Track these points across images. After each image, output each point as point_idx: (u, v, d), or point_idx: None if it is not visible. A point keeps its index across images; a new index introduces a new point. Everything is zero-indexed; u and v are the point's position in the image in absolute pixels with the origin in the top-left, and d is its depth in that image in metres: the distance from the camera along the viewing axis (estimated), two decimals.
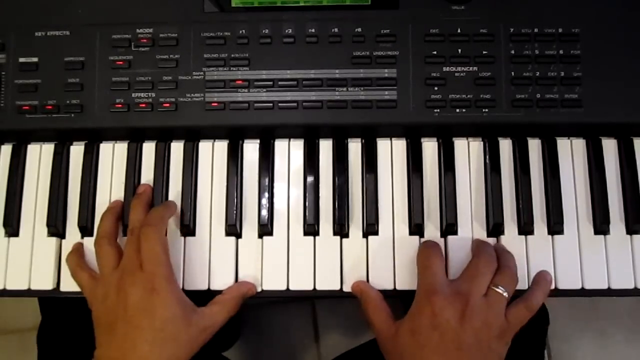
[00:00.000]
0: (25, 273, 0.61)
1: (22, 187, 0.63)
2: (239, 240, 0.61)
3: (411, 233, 0.61)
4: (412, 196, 0.61)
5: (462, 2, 0.60)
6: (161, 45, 0.61)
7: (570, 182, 0.61)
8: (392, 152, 0.62)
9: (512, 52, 0.60)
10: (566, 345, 1.19)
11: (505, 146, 0.62)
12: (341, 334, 1.18)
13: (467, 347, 0.52)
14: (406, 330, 0.54)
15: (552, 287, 0.59)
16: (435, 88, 0.60)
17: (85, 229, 0.62)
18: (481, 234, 0.61)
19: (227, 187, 0.62)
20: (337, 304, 1.19)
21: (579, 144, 0.62)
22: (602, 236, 0.60)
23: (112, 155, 0.63)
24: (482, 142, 0.62)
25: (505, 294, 0.54)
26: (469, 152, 0.62)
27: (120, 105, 0.60)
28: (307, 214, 0.60)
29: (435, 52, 0.60)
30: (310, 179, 0.61)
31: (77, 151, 0.63)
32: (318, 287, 0.60)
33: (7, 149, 0.64)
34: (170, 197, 0.62)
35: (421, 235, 0.61)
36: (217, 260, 0.60)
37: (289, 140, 0.63)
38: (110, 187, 0.63)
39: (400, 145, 0.63)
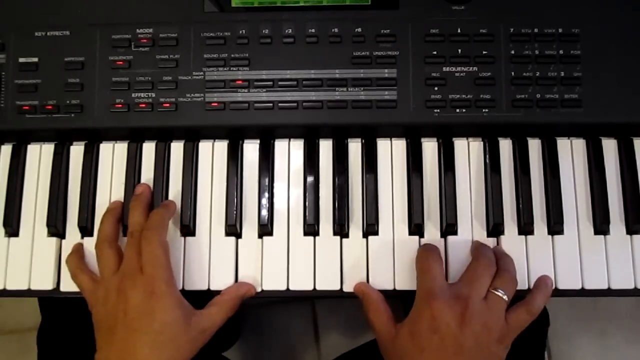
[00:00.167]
0: (25, 273, 0.61)
1: (22, 187, 0.63)
2: (239, 240, 0.61)
3: (411, 233, 0.61)
4: (412, 196, 0.61)
5: (462, 2, 0.60)
6: (161, 45, 0.61)
7: (570, 182, 0.61)
8: (392, 152, 0.62)
9: (512, 52, 0.60)
10: (566, 345, 1.19)
11: (505, 146, 0.62)
12: (341, 334, 1.18)
13: (467, 351, 0.52)
14: (406, 333, 0.54)
15: (553, 287, 0.59)
16: (435, 88, 0.60)
17: (85, 229, 0.62)
18: (481, 234, 0.61)
19: (227, 187, 0.62)
20: (337, 304, 1.18)
21: (579, 144, 0.62)
22: (602, 236, 0.60)
23: (112, 155, 0.63)
24: (482, 142, 0.62)
25: (504, 297, 0.54)
26: (469, 152, 0.62)
27: (120, 105, 0.60)
28: (307, 214, 0.60)
29: (435, 52, 0.60)
30: (310, 179, 0.61)
31: (77, 151, 0.63)
32: (318, 287, 0.60)
33: (7, 149, 0.64)
34: (170, 197, 0.62)
35: (421, 235, 0.61)
36: (217, 260, 0.60)
37: (289, 140, 0.63)
38: (110, 187, 0.63)
39: (400, 145, 0.63)
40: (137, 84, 0.61)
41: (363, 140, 0.63)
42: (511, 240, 0.60)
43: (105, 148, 0.63)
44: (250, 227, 0.61)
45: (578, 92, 0.60)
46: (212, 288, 0.60)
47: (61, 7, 0.62)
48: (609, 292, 0.59)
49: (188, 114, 0.60)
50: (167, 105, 0.60)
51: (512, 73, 0.60)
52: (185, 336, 0.54)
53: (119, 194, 0.62)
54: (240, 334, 1.14)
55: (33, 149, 0.64)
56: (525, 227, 0.60)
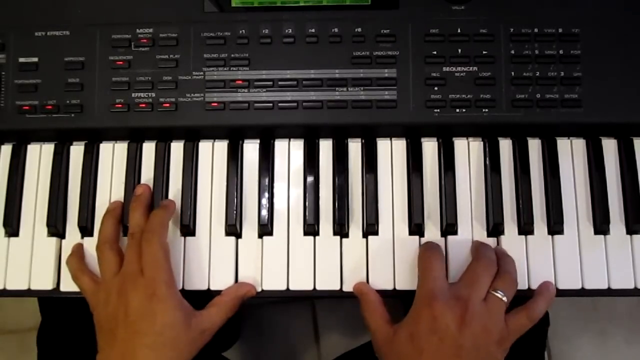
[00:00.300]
0: (25, 273, 0.61)
1: (22, 187, 0.63)
2: (239, 240, 0.61)
3: (411, 233, 0.61)
4: (412, 196, 0.61)
5: (462, 2, 0.60)
6: (161, 45, 0.61)
7: (570, 182, 0.61)
8: (392, 152, 0.62)
9: (512, 52, 0.60)
10: (566, 345, 1.19)
11: (505, 146, 0.62)
12: (341, 334, 1.18)
13: (466, 353, 0.51)
14: (405, 335, 0.53)
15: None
16: (435, 88, 0.60)
17: (85, 229, 0.62)
18: (481, 234, 0.61)
19: (227, 187, 0.62)
20: (337, 304, 1.18)
21: (579, 144, 0.62)
22: (602, 236, 0.60)
23: (112, 155, 0.63)
24: (482, 142, 0.62)
25: (504, 299, 0.54)
26: (469, 152, 0.62)
27: (120, 105, 0.60)
28: (307, 214, 0.60)
29: (435, 52, 0.60)
30: (310, 179, 0.61)
31: (77, 151, 0.63)
32: (318, 287, 0.60)
33: (7, 149, 0.64)
34: (170, 197, 0.62)
35: (421, 235, 0.61)
36: (217, 260, 0.60)
37: (289, 140, 0.63)
38: (110, 187, 0.63)
39: (400, 145, 0.63)
40: (137, 84, 0.61)
41: (363, 140, 0.63)
42: (511, 240, 0.60)
43: (105, 148, 0.63)
44: (250, 227, 0.61)
45: (578, 92, 0.60)
46: (212, 288, 0.60)
47: (61, 7, 0.62)
48: (609, 292, 0.59)
49: (188, 114, 0.60)
50: (167, 105, 0.60)
51: (512, 73, 0.60)
52: (186, 337, 0.54)
53: (119, 194, 0.62)
54: (240, 334, 1.14)
55: (33, 149, 0.64)
56: (525, 227, 0.60)
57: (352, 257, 0.60)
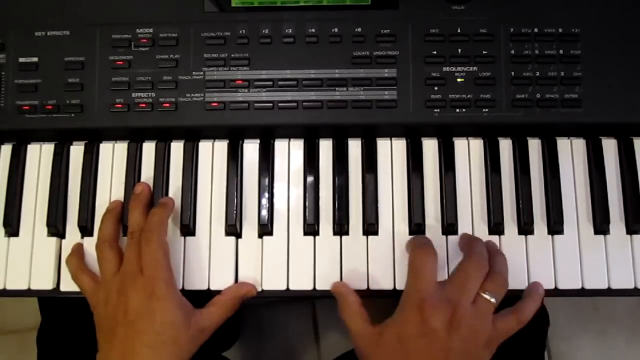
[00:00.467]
0: (25, 273, 0.61)
1: (22, 187, 0.63)
2: (239, 240, 0.61)
3: (411, 233, 0.61)
4: (412, 196, 0.61)
5: (462, 2, 0.61)
6: (161, 45, 0.61)
7: (570, 182, 0.61)
8: (392, 152, 0.62)
9: (512, 52, 0.60)
10: (566, 345, 1.19)
11: (505, 146, 0.62)
12: (341, 334, 1.18)
13: (454, 356, 0.51)
14: (391, 336, 0.53)
15: (552, 287, 0.59)
16: (435, 88, 0.60)
17: (85, 229, 0.62)
18: (481, 233, 0.60)
19: (227, 187, 0.62)
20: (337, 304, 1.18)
21: (579, 144, 0.62)
22: (602, 236, 0.60)
23: (112, 155, 0.63)
24: (482, 142, 0.62)
25: (493, 300, 0.53)
26: (469, 152, 0.62)
27: (120, 105, 0.61)
28: (307, 214, 0.60)
29: (435, 52, 0.60)
30: (310, 179, 0.61)
31: (77, 151, 0.63)
32: (318, 287, 0.60)
33: (7, 149, 0.64)
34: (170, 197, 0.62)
35: (421, 235, 0.60)
36: (217, 260, 0.60)
37: (289, 140, 0.63)
38: (110, 187, 0.63)
39: (400, 145, 0.63)
40: (137, 84, 0.61)
41: (363, 140, 0.63)
42: (511, 240, 0.60)
43: (105, 148, 0.63)
44: (250, 227, 0.61)
45: (578, 92, 0.60)
46: (212, 288, 0.60)
47: (61, 7, 0.62)
48: (609, 292, 0.59)
49: (188, 114, 0.60)
50: (167, 105, 0.60)
51: (512, 73, 0.60)
52: (185, 336, 0.54)
53: (119, 194, 0.62)
54: (240, 334, 1.14)
55: (33, 149, 0.64)
56: (525, 227, 0.60)
57: (352, 257, 0.60)
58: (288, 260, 0.60)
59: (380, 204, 0.61)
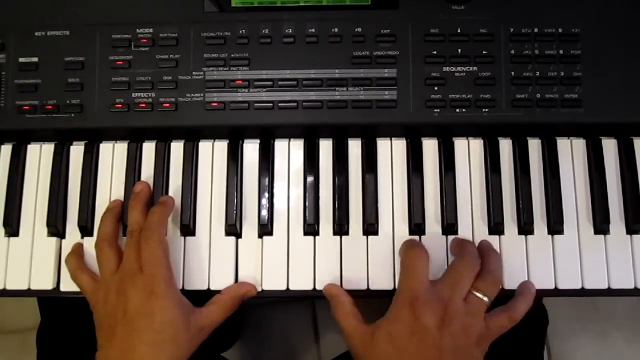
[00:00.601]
0: (25, 273, 0.61)
1: (22, 187, 0.63)
2: (239, 240, 0.61)
3: (411, 233, 0.61)
4: (412, 196, 0.61)
5: (462, 2, 0.61)
6: (161, 45, 0.61)
7: (570, 182, 0.61)
8: (392, 152, 0.62)
9: (512, 52, 0.60)
10: (566, 345, 1.19)
11: (505, 146, 0.62)
12: (341, 334, 1.18)
13: (446, 354, 0.51)
14: (384, 334, 0.53)
15: (552, 287, 0.59)
16: (435, 88, 0.60)
17: (85, 229, 0.62)
18: (481, 233, 0.60)
19: (227, 187, 0.62)
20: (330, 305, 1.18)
21: (579, 144, 0.62)
22: (602, 236, 0.60)
23: (112, 155, 0.63)
24: (482, 142, 0.62)
25: (485, 299, 0.53)
26: (469, 152, 0.62)
27: (120, 105, 0.61)
28: (307, 214, 0.60)
29: (435, 52, 0.60)
30: (310, 179, 0.61)
31: (77, 151, 0.63)
32: (318, 287, 0.60)
33: (7, 149, 0.64)
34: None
35: (421, 234, 0.61)
36: (217, 260, 0.60)
37: (289, 140, 0.63)
38: (110, 187, 0.63)
39: (400, 145, 0.63)
40: (137, 84, 0.61)
41: (363, 140, 0.63)
42: (511, 240, 0.60)
43: (105, 148, 0.63)
44: (250, 227, 0.61)
45: (578, 92, 0.60)
46: (212, 288, 0.60)
47: (61, 7, 0.62)
48: (609, 292, 0.59)
49: (188, 114, 0.60)
50: (167, 105, 0.60)
51: (512, 73, 0.60)
52: (185, 335, 0.54)
53: (118, 194, 0.62)
54: (240, 334, 1.14)
55: (33, 149, 0.64)
56: (525, 227, 0.60)
57: (352, 257, 0.60)
58: (288, 260, 0.60)
59: (380, 204, 0.61)
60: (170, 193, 0.62)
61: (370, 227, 0.60)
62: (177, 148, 0.63)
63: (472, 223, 0.61)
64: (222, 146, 0.63)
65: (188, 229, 0.61)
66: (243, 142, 0.63)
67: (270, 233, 0.61)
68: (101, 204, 0.62)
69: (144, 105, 0.60)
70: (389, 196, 0.61)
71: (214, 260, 0.60)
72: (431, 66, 0.60)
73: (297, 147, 0.63)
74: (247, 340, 1.17)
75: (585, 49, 0.60)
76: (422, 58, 0.60)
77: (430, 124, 0.61)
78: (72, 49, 0.61)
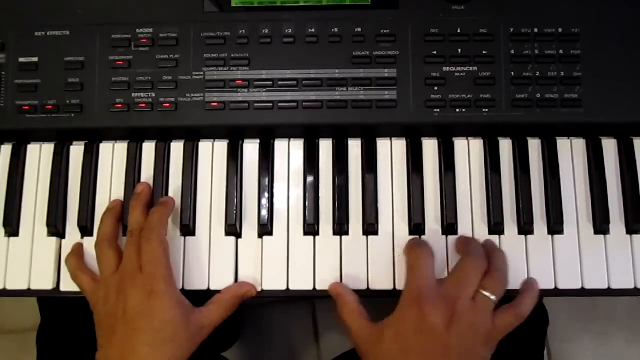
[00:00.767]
0: (25, 273, 0.61)
1: (22, 187, 0.63)
2: (239, 240, 0.61)
3: (411, 233, 0.61)
4: (412, 196, 0.61)
5: (462, 2, 0.61)
6: (161, 45, 0.61)
7: (570, 182, 0.61)
8: (392, 152, 0.62)
9: (512, 52, 0.60)
10: (566, 345, 1.19)
11: (505, 146, 0.62)
12: (341, 334, 1.17)
13: (453, 352, 0.51)
14: (391, 334, 0.53)
15: (552, 287, 0.59)
16: (435, 88, 0.60)
17: (85, 229, 0.62)
18: (481, 233, 0.60)
19: (227, 187, 0.62)
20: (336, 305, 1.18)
21: (579, 144, 0.62)
22: (602, 236, 0.60)
23: (112, 155, 0.63)
24: (482, 142, 0.62)
25: (493, 298, 0.53)
26: (469, 152, 0.62)
27: (120, 105, 0.61)
28: (307, 214, 0.60)
29: (435, 52, 0.60)
30: (310, 179, 0.61)
31: (77, 151, 0.63)
32: (318, 287, 0.60)
33: (7, 149, 0.64)
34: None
35: (421, 235, 0.61)
36: (217, 260, 0.60)
37: (289, 140, 0.63)
38: (110, 187, 0.63)
39: (400, 145, 0.63)
40: (137, 84, 0.61)
41: (363, 140, 0.63)
42: (511, 240, 0.60)
43: (105, 148, 0.63)
44: (250, 227, 0.61)
45: (578, 92, 0.60)
46: (212, 288, 0.60)
47: (61, 7, 0.62)
48: (609, 292, 0.59)
49: (188, 114, 0.60)
50: (167, 105, 0.60)
51: (512, 73, 0.60)
52: (185, 334, 0.54)
53: (119, 194, 0.62)
54: (240, 334, 1.14)
55: (33, 149, 0.64)
56: (525, 227, 0.60)
57: (352, 257, 0.60)
58: (288, 260, 0.60)
59: (380, 204, 0.61)
60: (170, 193, 0.62)
61: (370, 227, 0.60)
62: (177, 148, 0.63)
63: (472, 223, 0.61)
64: (222, 146, 0.63)
65: (188, 229, 0.61)
66: (243, 142, 0.63)
67: (270, 233, 0.61)
68: (101, 204, 0.62)
69: (144, 105, 0.60)
70: (389, 196, 0.61)
71: (214, 260, 0.60)
72: (431, 66, 0.60)
73: (297, 147, 0.63)
74: (247, 340, 1.17)
75: (585, 49, 0.60)
76: (422, 58, 0.60)
77: (430, 124, 0.61)
78: (72, 49, 0.61)
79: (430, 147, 0.62)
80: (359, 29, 0.61)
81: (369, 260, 0.60)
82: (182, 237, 0.61)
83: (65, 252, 0.61)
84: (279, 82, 0.60)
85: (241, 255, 0.61)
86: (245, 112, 0.60)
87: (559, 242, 0.60)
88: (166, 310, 0.54)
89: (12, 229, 0.62)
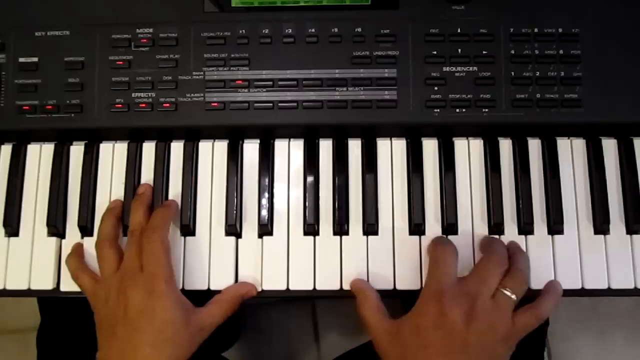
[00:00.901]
0: (25, 273, 0.61)
1: (22, 187, 0.63)
2: (239, 240, 0.61)
3: (411, 233, 0.61)
4: (412, 196, 0.61)
5: (462, 2, 0.61)
6: (161, 45, 0.61)
7: (570, 182, 0.61)
8: (392, 152, 0.62)
9: (512, 52, 0.60)
10: (566, 345, 1.19)
11: (505, 146, 0.62)
12: (341, 334, 1.18)
13: (472, 349, 0.51)
14: (409, 329, 0.53)
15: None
16: (435, 88, 0.60)
17: (85, 229, 0.62)
18: (481, 233, 0.60)
19: (227, 187, 0.62)
20: (337, 304, 1.18)
21: (579, 144, 0.62)
22: (602, 236, 0.60)
23: (112, 155, 0.63)
24: (482, 142, 0.62)
25: (513, 297, 0.54)
26: (469, 152, 0.62)
27: (120, 105, 0.61)
28: (307, 214, 0.60)
29: (435, 52, 0.60)
30: (310, 179, 0.61)
31: (77, 151, 0.63)
32: (318, 287, 0.60)
33: (7, 149, 0.64)
34: (170, 197, 0.62)
35: (421, 235, 0.61)
36: (217, 260, 0.60)
37: (289, 140, 0.63)
38: (110, 187, 0.63)
39: (400, 145, 0.63)
40: (137, 84, 0.61)
41: (363, 140, 0.63)
42: (511, 240, 0.60)
43: (105, 148, 0.63)
44: (250, 227, 0.61)
45: (578, 92, 0.60)
46: (212, 288, 0.60)
47: (61, 7, 0.62)
48: (609, 292, 0.59)
49: (188, 114, 0.60)
50: (167, 105, 0.60)
51: (512, 73, 0.60)
52: (185, 334, 0.54)
53: (119, 194, 0.62)
54: (240, 334, 1.14)
55: (33, 149, 0.64)
56: (525, 227, 0.60)
57: (352, 257, 0.60)
58: (288, 260, 0.60)
59: (380, 204, 0.61)
60: (170, 193, 0.62)
61: (370, 227, 0.60)
62: (177, 148, 0.63)
63: (472, 223, 0.61)
64: (222, 146, 0.63)
65: (188, 229, 0.61)
66: (243, 142, 0.63)
67: (270, 233, 0.61)
68: (101, 204, 0.62)
69: (144, 105, 0.60)
70: (389, 196, 0.61)
71: (214, 261, 0.60)
72: (431, 66, 0.60)
73: (297, 147, 0.63)
74: (247, 340, 1.17)
75: (585, 49, 0.60)
76: (422, 58, 0.60)
77: (430, 124, 0.61)
78: (72, 49, 0.61)
79: (430, 147, 0.62)
80: (359, 29, 0.61)
81: (369, 260, 0.60)
82: (182, 237, 0.61)
83: (65, 252, 0.61)
84: (279, 82, 0.60)
85: (241, 255, 0.61)
86: (245, 112, 0.60)
87: (559, 242, 0.60)
88: (167, 310, 0.54)
89: (12, 229, 0.62)
